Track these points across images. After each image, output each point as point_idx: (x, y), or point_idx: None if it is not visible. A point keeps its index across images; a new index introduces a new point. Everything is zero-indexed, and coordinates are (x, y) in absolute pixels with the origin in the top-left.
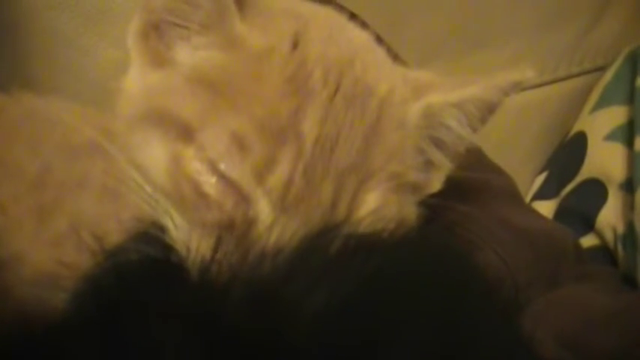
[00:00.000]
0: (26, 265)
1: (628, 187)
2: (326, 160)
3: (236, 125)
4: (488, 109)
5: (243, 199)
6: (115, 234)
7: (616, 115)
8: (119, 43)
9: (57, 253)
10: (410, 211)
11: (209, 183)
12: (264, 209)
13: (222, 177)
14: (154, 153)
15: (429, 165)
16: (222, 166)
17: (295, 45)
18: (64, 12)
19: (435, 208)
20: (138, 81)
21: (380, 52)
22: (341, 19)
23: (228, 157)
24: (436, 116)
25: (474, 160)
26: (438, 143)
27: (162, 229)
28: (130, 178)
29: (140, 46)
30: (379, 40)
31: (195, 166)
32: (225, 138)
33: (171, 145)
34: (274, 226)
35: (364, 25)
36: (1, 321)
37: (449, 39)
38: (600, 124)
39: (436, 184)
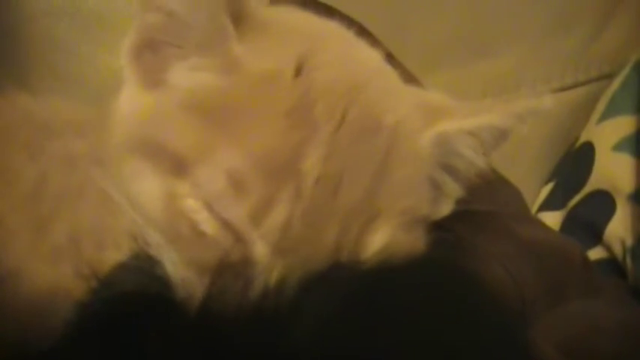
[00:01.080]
0: (22, 282)
1: (637, 198)
2: (329, 201)
3: (232, 163)
4: (502, 137)
5: (240, 239)
6: (111, 249)
7: (624, 125)
8: (118, 51)
9: (53, 270)
10: (420, 243)
11: (205, 222)
12: (260, 251)
13: (218, 217)
14: (147, 187)
15: (438, 192)
16: (217, 207)
17: (299, 71)
18: (62, 19)
19: (439, 224)
20: (130, 102)
21: (391, 75)
22: (351, 39)
23: (223, 199)
24: (450, 144)
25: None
26: (451, 171)
27: (154, 260)
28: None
29: (134, 65)
30: (390, 57)
31: (191, 204)
32: (221, 178)
33: (165, 179)
34: (270, 268)
35: (375, 42)
36: None
37: (453, 46)
38: (608, 134)
39: (445, 209)
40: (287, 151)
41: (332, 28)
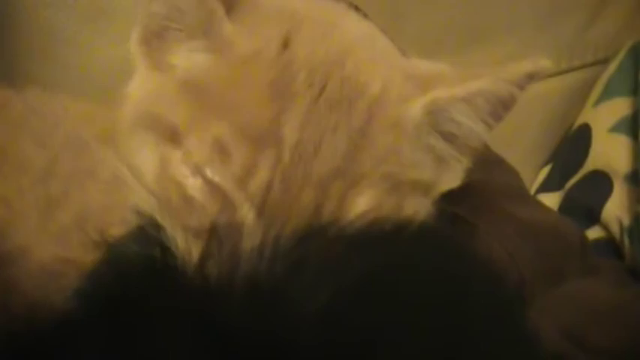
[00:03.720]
0: (31, 259)
1: (633, 178)
2: (307, 166)
3: (218, 131)
4: (501, 104)
5: (229, 203)
6: (119, 225)
7: (620, 107)
8: (118, 41)
9: (62, 247)
10: (416, 211)
11: (194, 187)
12: (247, 214)
13: (207, 181)
14: (146, 157)
15: (441, 161)
16: (206, 171)
17: (285, 46)
18: (62, 10)
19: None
20: (141, 86)
21: (380, 46)
22: (338, 12)
23: (211, 163)
24: (443, 112)
25: (478, 153)
26: (449, 138)
27: (158, 228)
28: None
29: (142, 52)
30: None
31: (182, 170)
32: (208, 144)
33: (160, 148)
34: (255, 230)
35: (365, 16)
36: (6, 314)
37: (449, 34)
38: (605, 116)
39: (454, 179)
40: (268, 120)
41: (322, 4)
